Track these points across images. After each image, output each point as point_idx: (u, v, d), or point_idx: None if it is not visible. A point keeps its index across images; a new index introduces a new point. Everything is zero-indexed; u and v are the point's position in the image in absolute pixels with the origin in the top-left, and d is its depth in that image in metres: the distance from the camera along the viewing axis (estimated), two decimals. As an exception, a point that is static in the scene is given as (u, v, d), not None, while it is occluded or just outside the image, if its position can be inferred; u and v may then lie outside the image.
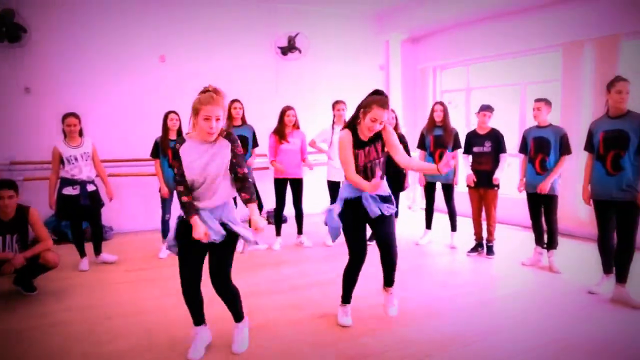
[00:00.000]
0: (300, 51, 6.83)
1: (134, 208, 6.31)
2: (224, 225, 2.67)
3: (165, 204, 4.98)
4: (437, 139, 5.23)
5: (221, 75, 6.64)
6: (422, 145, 5.43)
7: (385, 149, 3.10)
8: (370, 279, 3.66)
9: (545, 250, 4.56)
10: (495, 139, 4.80)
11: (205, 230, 2.58)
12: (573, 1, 5.54)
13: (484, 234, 5.01)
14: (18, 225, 3.75)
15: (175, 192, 4.97)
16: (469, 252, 5.05)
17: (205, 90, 2.61)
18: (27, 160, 5.79)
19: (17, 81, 5.78)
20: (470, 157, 4.98)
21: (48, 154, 4.62)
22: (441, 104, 5.26)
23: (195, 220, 2.58)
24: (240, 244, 2.85)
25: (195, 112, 2.56)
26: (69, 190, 4.50)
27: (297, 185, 5.41)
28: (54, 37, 5.91)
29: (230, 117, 5.11)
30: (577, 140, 4.94)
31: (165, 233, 5.05)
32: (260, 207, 5.79)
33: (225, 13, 6.69)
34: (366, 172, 3.08)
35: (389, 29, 7.64)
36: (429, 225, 5.58)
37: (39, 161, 5.68)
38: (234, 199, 3.00)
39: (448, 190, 5.31)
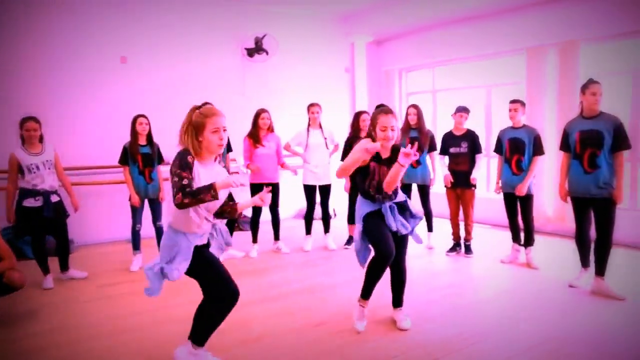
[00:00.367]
0: (267, 53, 6.69)
1: (98, 218, 5.92)
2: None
3: (136, 213, 4.69)
4: (413, 141, 5.27)
5: (186, 77, 6.40)
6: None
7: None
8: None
9: (522, 248, 4.71)
10: (472, 139, 4.90)
11: (232, 178, 2.35)
12: (536, 7, 5.78)
13: (462, 234, 5.11)
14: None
15: (146, 201, 4.75)
16: (448, 252, 5.12)
17: (196, 107, 2.46)
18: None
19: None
20: (447, 158, 5.06)
21: (3, 162, 4.22)
22: (415, 107, 5.30)
23: (216, 184, 2.28)
24: (218, 253, 2.70)
25: (199, 128, 2.39)
26: (30, 202, 4.12)
27: (274, 190, 5.27)
28: (9, 38, 5.43)
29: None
30: (542, 141, 5.13)
31: (136, 244, 4.77)
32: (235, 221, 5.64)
33: (189, 13, 6.44)
34: (380, 188, 3.10)
35: (354, 31, 7.66)
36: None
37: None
38: None
39: (424, 191, 5.37)
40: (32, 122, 4.16)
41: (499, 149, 4.69)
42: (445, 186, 5.04)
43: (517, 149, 4.49)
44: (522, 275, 4.36)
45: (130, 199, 4.65)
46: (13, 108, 5.12)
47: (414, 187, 5.41)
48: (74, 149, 5.64)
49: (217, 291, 2.50)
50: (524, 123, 4.60)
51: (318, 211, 5.69)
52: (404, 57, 7.66)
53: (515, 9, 5.95)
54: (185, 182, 2.30)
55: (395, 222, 3.08)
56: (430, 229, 5.43)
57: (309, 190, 5.46)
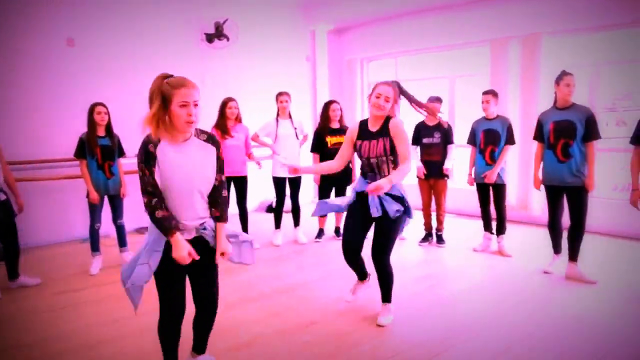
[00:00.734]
0: (228, 39, 6.37)
1: (50, 217, 5.39)
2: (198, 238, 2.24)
3: (95, 211, 4.29)
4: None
5: (141, 62, 5.95)
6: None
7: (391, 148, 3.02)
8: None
9: (493, 236, 4.81)
10: (444, 130, 4.92)
11: (189, 248, 2.10)
12: (500, 0, 5.88)
13: (434, 224, 5.14)
14: None
15: (106, 198, 4.36)
16: (420, 242, 5.14)
17: (164, 76, 2.10)
18: None
19: None
20: (419, 148, 5.05)
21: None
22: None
23: (177, 237, 2.08)
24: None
25: (165, 100, 2.04)
26: (-28, 202, 3.65)
27: (242, 183, 5.04)
28: None
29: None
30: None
31: (95, 245, 4.37)
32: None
33: (142, -7, 5.98)
34: (372, 168, 3.01)
35: (315, 20, 7.49)
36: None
37: None
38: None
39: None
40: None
41: (472, 140, 4.74)
42: (418, 177, 5.04)
43: (492, 140, 4.56)
44: (496, 263, 4.45)
45: (88, 196, 4.25)
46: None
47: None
48: (20, 141, 5.10)
49: (160, 303, 2.27)
50: (497, 114, 4.66)
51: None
52: (366, 47, 7.59)
53: (479, 0, 6.02)
54: (145, 179, 2.07)
55: (375, 208, 2.96)
56: (401, 219, 5.42)
57: (279, 182, 5.28)
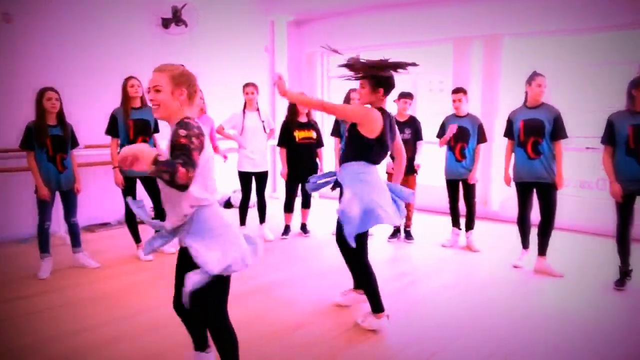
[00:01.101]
0: (186, 25, 6.00)
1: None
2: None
3: (45, 208, 3.86)
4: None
5: (90, 46, 5.45)
6: (336, 132, 5.30)
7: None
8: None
9: (461, 231, 4.90)
10: (414, 126, 4.93)
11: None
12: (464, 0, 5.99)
13: (402, 220, 5.15)
14: None
15: (58, 194, 3.94)
16: (389, 238, 5.13)
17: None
18: None
19: None
20: (389, 144, 5.02)
21: None
22: (357, 91, 5.18)
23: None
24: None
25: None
26: None
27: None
28: None
29: (126, 98, 4.20)
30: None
31: (44, 245, 3.94)
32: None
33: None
34: None
35: (274, 10, 7.26)
36: (342, 214, 5.50)
37: None
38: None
39: (362, 177, 5.30)
40: None
41: (442, 134, 4.79)
42: (388, 172, 5.02)
43: (462, 137, 4.63)
44: (467, 259, 4.52)
45: (36, 191, 3.81)
46: None
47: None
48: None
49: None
50: (468, 112, 4.74)
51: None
52: (327, 40, 7.36)
53: (442, -1, 6.11)
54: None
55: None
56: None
57: (245, 177, 5.06)
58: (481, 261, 4.41)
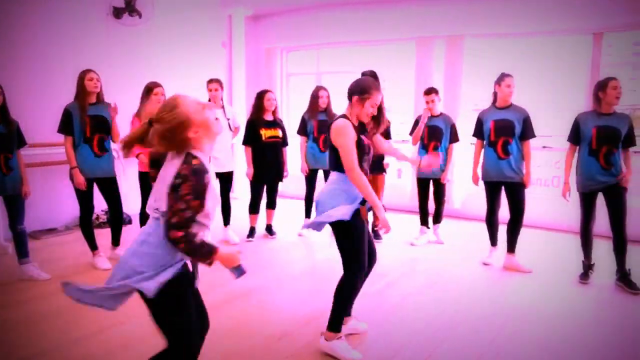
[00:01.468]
0: (140, 15, 5.63)
1: None
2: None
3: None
4: (322, 124, 5.06)
5: (34, 34, 4.96)
6: (303, 131, 5.18)
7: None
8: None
9: (429, 230, 4.97)
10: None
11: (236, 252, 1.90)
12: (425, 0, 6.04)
13: (370, 219, 5.11)
14: None
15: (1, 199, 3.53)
16: (358, 237, 5.09)
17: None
18: None
19: None
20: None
21: None
22: (326, 89, 5.11)
23: (221, 251, 1.82)
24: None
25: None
26: None
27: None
28: None
29: (83, 93, 3.83)
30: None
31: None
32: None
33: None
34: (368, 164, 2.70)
35: (232, 3, 6.99)
36: (308, 214, 5.39)
37: None
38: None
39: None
40: None
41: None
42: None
43: (435, 136, 4.67)
44: (438, 257, 4.55)
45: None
46: None
47: (320, 173, 5.21)
48: None
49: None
50: (441, 111, 4.80)
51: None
52: (287, 36, 7.30)
53: (405, -1, 6.13)
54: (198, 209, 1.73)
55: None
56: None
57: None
58: (452, 259, 4.46)
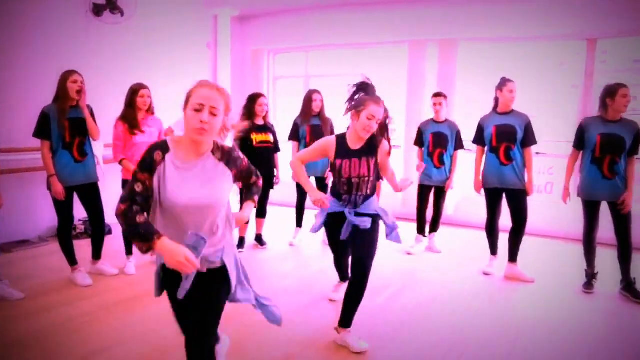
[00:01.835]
0: (122, 13, 5.34)
1: None
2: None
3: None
4: (315, 129, 4.88)
5: (7, 33, 4.63)
6: (295, 136, 4.99)
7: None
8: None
9: (425, 239, 4.84)
10: (380, 130, 4.75)
11: (186, 253, 1.65)
12: (420, 2, 5.91)
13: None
14: None
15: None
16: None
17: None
18: None
19: None
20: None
21: None
22: (320, 93, 4.94)
23: (165, 241, 1.67)
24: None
25: (185, 102, 1.79)
26: None
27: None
28: None
29: (65, 96, 3.55)
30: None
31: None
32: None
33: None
34: (350, 187, 2.77)
35: (218, 3, 6.76)
36: (299, 224, 5.19)
37: None
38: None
39: (322, 183, 5.03)
40: None
41: (419, 142, 4.73)
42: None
43: (440, 144, 4.59)
44: (437, 265, 4.42)
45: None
46: None
47: (311, 180, 5.03)
48: None
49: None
50: (446, 117, 4.71)
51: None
52: (275, 38, 7.10)
53: (399, 1, 6.00)
54: (139, 187, 1.74)
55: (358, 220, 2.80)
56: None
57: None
58: (451, 269, 4.33)
